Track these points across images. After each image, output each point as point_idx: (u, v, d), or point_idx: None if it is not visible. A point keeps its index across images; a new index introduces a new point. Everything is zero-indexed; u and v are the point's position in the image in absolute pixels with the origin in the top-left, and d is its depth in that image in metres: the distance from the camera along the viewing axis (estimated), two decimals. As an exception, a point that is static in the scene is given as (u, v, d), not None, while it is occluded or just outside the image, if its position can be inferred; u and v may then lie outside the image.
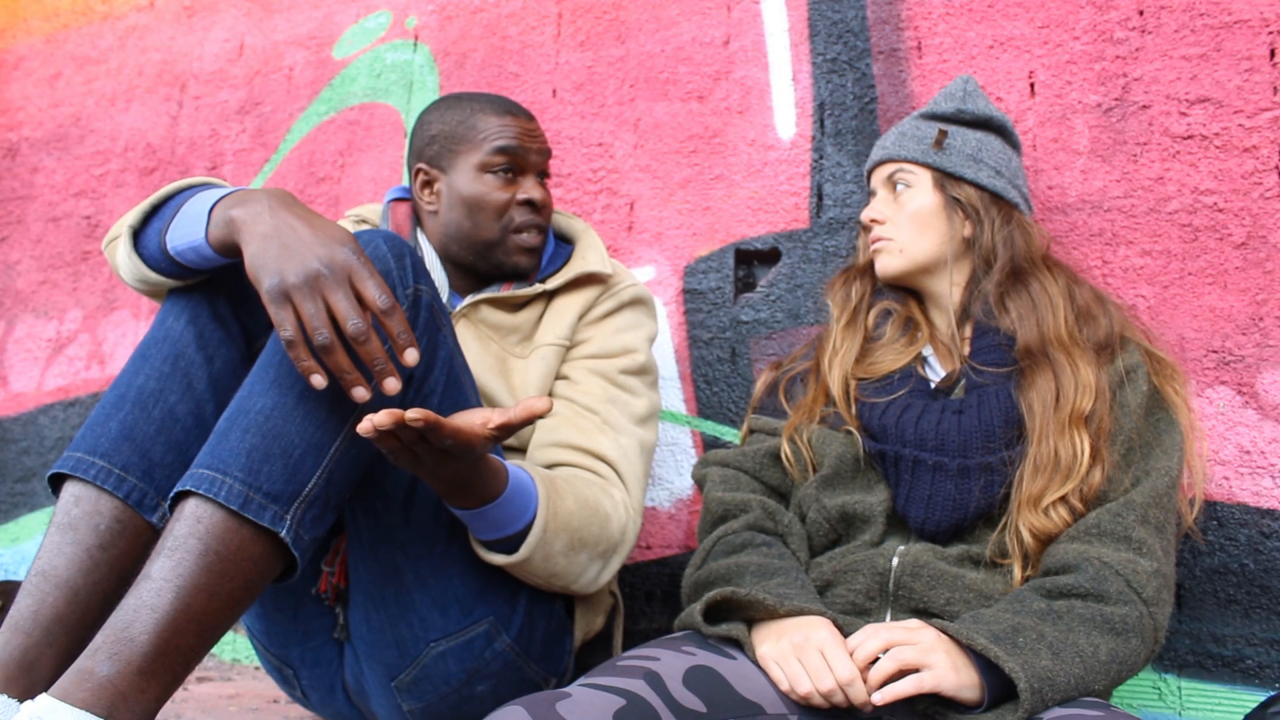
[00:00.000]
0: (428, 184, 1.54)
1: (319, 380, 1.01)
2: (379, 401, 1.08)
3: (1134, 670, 1.13)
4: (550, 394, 1.47)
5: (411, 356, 1.03)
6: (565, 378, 1.48)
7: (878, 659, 1.07)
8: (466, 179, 1.50)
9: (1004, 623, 1.07)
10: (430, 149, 1.54)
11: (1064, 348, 1.27)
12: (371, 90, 2.34)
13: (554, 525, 1.25)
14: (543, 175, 1.56)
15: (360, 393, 1.02)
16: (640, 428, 1.47)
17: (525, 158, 1.51)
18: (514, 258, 1.51)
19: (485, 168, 1.49)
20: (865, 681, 1.06)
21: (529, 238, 1.51)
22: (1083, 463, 1.20)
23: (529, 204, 1.50)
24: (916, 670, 1.05)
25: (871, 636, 1.08)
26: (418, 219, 1.58)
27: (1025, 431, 1.24)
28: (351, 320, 1.00)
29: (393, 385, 1.03)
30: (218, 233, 1.11)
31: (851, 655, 1.07)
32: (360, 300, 1.02)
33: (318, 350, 1.01)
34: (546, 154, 1.56)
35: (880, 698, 1.04)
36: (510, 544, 1.24)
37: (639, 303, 1.56)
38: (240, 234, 1.07)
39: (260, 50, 2.53)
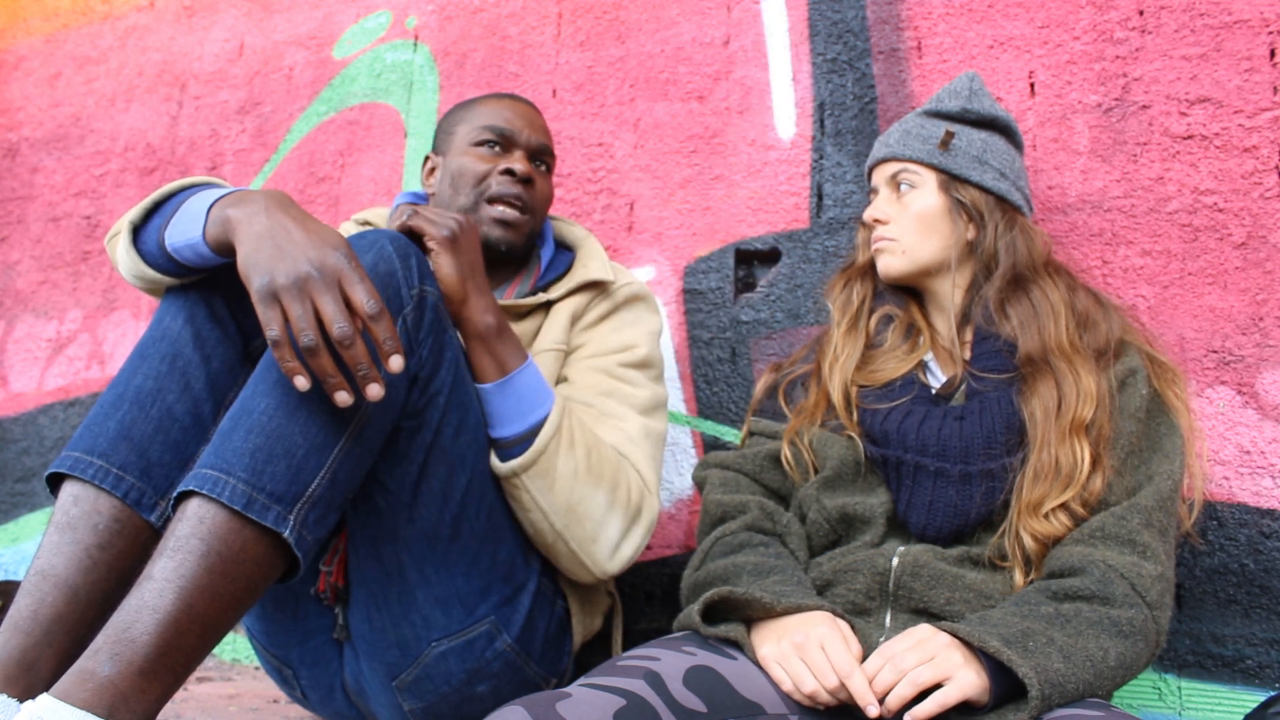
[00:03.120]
0: (432, 170, 1.61)
1: (302, 382, 1.01)
2: (367, 405, 1.08)
3: (1136, 673, 1.13)
4: None
5: (396, 363, 1.03)
6: (564, 379, 1.47)
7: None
8: (457, 155, 1.54)
9: (1013, 626, 1.06)
10: (437, 139, 1.61)
11: (1065, 356, 1.26)
12: (371, 90, 2.34)
13: (568, 424, 1.29)
14: (539, 163, 1.57)
15: (343, 397, 1.02)
16: (644, 416, 1.44)
17: (514, 137, 1.54)
18: (486, 228, 1.49)
19: (474, 143, 1.54)
20: (879, 696, 1.05)
21: (505, 210, 1.49)
22: (1083, 470, 1.19)
23: (509, 173, 1.50)
24: (939, 685, 1.03)
25: (887, 667, 1.06)
26: None
27: (1026, 438, 1.23)
28: (338, 324, 1.00)
29: (375, 391, 1.03)
30: (214, 231, 1.11)
31: (871, 683, 1.05)
32: (349, 305, 1.02)
33: (303, 352, 1.00)
34: (542, 140, 1.57)
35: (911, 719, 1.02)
36: (528, 441, 1.28)
37: (636, 300, 1.55)
38: (235, 233, 1.08)
39: (260, 50, 2.53)
